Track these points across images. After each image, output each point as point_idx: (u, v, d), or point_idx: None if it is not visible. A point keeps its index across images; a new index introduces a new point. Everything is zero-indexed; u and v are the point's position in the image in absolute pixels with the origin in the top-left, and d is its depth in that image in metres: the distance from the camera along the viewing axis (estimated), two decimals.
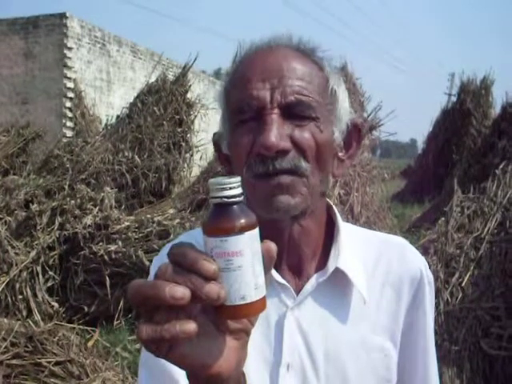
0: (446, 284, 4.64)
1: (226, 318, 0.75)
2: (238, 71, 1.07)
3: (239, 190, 0.73)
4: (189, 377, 0.78)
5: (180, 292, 0.67)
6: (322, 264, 1.11)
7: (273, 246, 0.77)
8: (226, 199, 0.72)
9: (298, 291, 1.08)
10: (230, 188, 0.72)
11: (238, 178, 0.73)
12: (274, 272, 1.05)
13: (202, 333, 0.72)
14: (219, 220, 0.72)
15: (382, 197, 9.55)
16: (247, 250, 0.72)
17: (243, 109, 1.02)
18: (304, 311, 1.07)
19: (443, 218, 5.57)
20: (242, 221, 0.72)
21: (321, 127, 1.02)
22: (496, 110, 13.92)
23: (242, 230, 0.71)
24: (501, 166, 6.11)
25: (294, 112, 1.01)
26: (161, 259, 1.13)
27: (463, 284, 4.62)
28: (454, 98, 17.11)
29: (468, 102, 15.60)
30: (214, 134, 1.16)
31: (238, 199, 0.73)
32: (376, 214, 8.26)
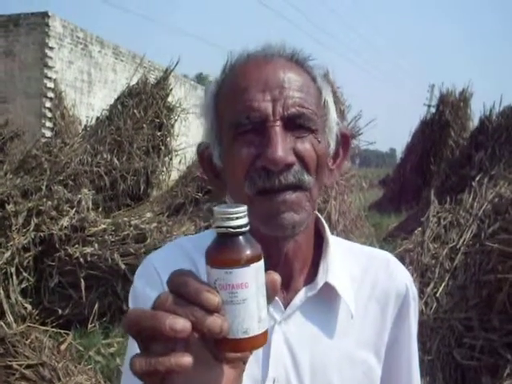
0: (420, 294, 4.67)
1: (227, 351, 0.72)
2: (230, 81, 1.04)
3: (246, 220, 0.70)
4: None
5: (180, 325, 0.65)
6: (311, 278, 1.09)
7: (277, 278, 0.75)
8: (232, 230, 0.69)
9: (285, 305, 1.07)
10: (237, 218, 0.69)
11: (245, 207, 0.71)
12: None
13: (198, 362, 0.69)
14: (224, 251, 0.69)
15: (360, 205, 9.60)
16: (252, 283, 0.70)
17: (241, 121, 0.98)
18: (292, 325, 1.06)
19: (420, 228, 5.61)
20: (248, 252, 0.69)
21: (319, 139, 1.01)
22: (474, 123, 14.08)
23: (248, 262, 0.69)
24: (477, 178, 6.18)
25: (295, 124, 0.99)
26: (145, 271, 1.11)
27: (438, 294, 4.65)
28: (433, 110, 17.29)
29: (447, 113, 15.78)
30: (200, 145, 1.12)
31: (244, 229, 0.70)
32: (353, 223, 8.31)
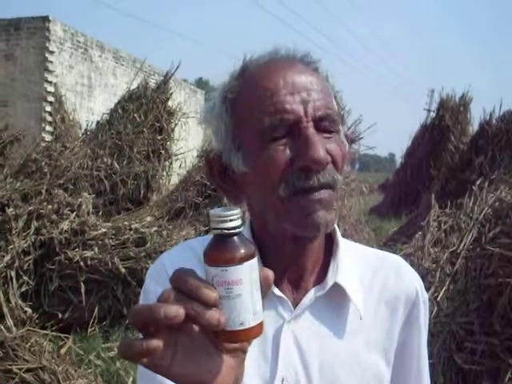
0: None
1: (225, 341, 0.78)
2: (253, 84, 1.03)
3: (239, 222, 0.76)
4: None
5: (173, 311, 0.69)
6: (321, 278, 1.10)
7: (270, 274, 0.80)
8: (226, 231, 0.75)
9: (295, 304, 1.08)
10: (231, 220, 0.75)
11: (238, 210, 0.76)
12: None
13: (200, 352, 0.76)
14: (220, 251, 0.76)
15: (360, 210, 9.62)
16: (246, 279, 0.75)
17: (274, 123, 0.98)
18: (301, 324, 1.07)
19: (420, 233, 5.61)
20: (242, 251, 0.75)
21: (341, 139, 1.04)
22: (474, 127, 14.11)
23: (242, 260, 0.75)
24: (477, 183, 6.19)
25: (322, 125, 1.00)
26: (156, 270, 1.13)
27: (438, 298, 4.65)
28: (433, 114, 17.33)
29: (447, 118, 15.81)
30: (209, 152, 1.11)
31: (237, 230, 0.76)
32: (353, 227, 8.31)
